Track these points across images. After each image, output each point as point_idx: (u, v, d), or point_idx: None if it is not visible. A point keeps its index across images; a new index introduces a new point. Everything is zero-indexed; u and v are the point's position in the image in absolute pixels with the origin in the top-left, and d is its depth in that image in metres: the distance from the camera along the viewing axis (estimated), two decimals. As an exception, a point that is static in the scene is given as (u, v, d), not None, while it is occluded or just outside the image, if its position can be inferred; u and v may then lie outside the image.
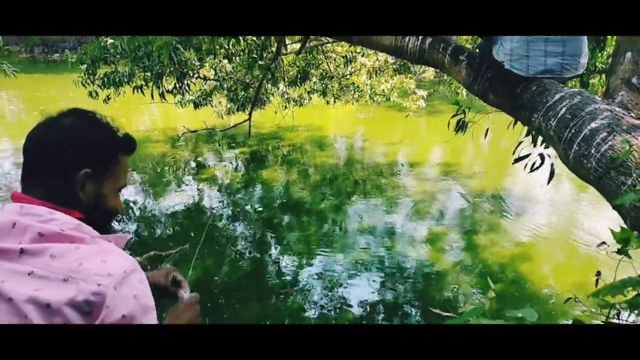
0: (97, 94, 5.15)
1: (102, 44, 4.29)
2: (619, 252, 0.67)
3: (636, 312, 0.86)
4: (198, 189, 6.58)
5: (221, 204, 6.11)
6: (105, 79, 4.83)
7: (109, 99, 5.32)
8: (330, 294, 4.02)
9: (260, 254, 4.76)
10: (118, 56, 4.44)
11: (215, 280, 4.23)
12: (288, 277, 4.30)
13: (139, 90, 4.69)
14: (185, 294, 1.16)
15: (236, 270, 4.41)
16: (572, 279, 4.32)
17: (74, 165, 0.92)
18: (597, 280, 1.21)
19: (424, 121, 10.70)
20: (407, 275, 4.36)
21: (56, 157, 0.91)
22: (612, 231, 0.52)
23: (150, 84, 4.46)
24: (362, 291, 4.06)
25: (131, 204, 5.96)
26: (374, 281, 4.23)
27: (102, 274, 0.85)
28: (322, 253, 4.71)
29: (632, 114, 1.25)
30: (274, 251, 4.82)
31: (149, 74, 4.41)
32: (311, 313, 3.76)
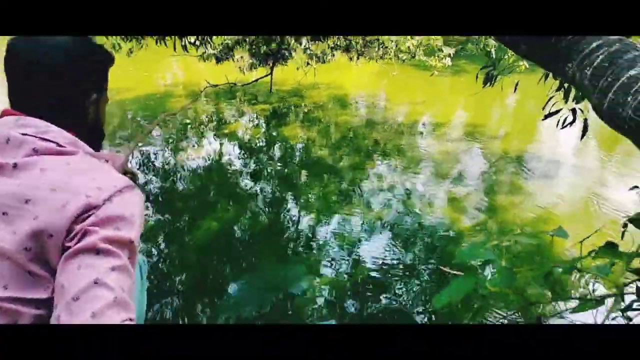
0: (120, 46, 5.15)
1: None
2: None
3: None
4: (220, 144, 6.63)
5: (241, 160, 6.16)
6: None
7: (131, 52, 5.32)
8: (346, 252, 4.08)
9: (278, 210, 4.82)
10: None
11: (235, 232, 4.32)
12: (305, 234, 4.36)
13: (162, 41, 4.66)
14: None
15: (256, 224, 4.49)
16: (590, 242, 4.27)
17: (77, 86, 0.91)
18: (623, 233, 1.19)
19: (449, 80, 10.43)
20: (424, 236, 4.38)
21: (59, 77, 0.88)
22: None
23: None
24: (378, 250, 4.10)
25: (152, 158, 6.05)
26: (390, 240, 4.26)
27: (91, 188, 0.82)
28: (341, 211, 4.74)
29: (675, 62, 1.19)
30: (292, 208, 4.87)
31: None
32: (328, 269, 3.82)
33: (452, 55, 6.55)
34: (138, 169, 5.66)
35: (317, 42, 6.19)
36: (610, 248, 0.57)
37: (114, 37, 4.95)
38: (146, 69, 10.28)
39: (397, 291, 3.57)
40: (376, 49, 6.35)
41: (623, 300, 0.65)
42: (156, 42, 4.67)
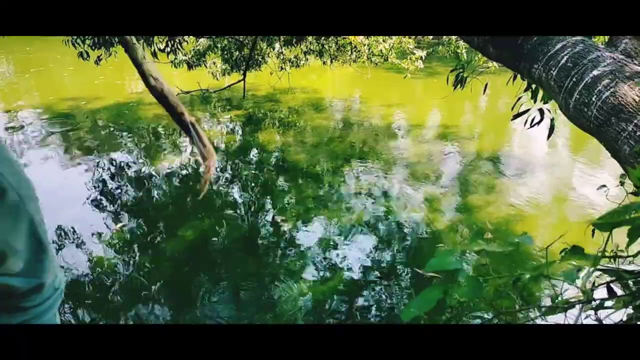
0: (88, 54, 5.03)
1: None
2: (635, 193, 0.64)
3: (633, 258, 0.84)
4: (192, 152, 6.54)
5: (217, 166, 6.08)
6: (96, 39, 4.70)
7: (100, 60, 5.20)
8: (326, 255, 4.06)
9: (256, 216, 4.78)
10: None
11: (212, 241, 4.25)
12: (285, 239, 4.32)
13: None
14: None
15: (233, 231, 4.43)
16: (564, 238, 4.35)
17: None
18: (593, 231, 1.20)
19: (422, 83, 10.56)
20: (403, 238, 4.39)
21: None
22: (629, 170, 0.50)
23: (141, 42, 4.34)
24: (358, 253, 4.09)
25: (126, 168, 5.93)
26: (369, 243, 4.26)
27: None
28: (319, 215, 4.72)
29: (635, 62, 1.21)
30: (270, 214, 4.83)
31: (139, 31, 4.28)
32: (308, 274, 3.79)
33: (423, 57, 6.62)
34: (113, 179, 5.54)
35: (290, 46, 6.17)
36: (575, 252, 0.57)
37: (81, 45, 4.84)
38: (118, 77, 10.10)
39: (377, 294, 3.57)
40: (349, 53, 6.38)
41: (593, 301, 0.65)
42: (125, 50, 4.56)
